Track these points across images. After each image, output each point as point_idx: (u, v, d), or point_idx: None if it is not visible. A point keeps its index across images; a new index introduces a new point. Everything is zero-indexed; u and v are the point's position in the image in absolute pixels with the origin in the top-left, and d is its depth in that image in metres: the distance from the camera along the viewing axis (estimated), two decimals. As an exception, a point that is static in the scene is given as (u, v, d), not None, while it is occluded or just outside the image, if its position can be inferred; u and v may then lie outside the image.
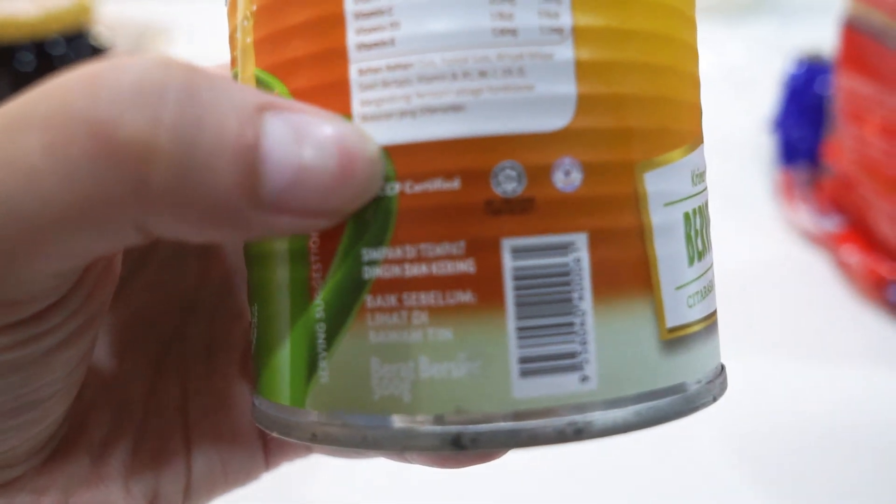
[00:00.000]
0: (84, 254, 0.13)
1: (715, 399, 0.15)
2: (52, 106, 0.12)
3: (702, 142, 0.16)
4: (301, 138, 0.12)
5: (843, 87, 0.45)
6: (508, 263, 0.13)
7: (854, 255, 0.43)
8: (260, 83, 0.15)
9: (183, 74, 0.12)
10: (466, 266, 0.13)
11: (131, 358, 0.19)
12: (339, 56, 0.14)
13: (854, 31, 0.43)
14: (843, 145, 0.46)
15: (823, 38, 0.47)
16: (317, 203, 0.13)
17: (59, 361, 0.14)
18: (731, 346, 0.39)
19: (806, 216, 0.47)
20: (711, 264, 0.16)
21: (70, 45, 0.52)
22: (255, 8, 0.15)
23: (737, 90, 0.66)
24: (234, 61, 0.16)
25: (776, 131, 0.53)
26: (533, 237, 0.13)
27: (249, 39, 0.15)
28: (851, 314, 0.42)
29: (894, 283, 0.41)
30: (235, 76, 0.15)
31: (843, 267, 0.44)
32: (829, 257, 0.46)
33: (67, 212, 0.12)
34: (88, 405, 0.17)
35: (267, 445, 0.19)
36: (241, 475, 0.19)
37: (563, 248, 0.13)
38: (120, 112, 0.11)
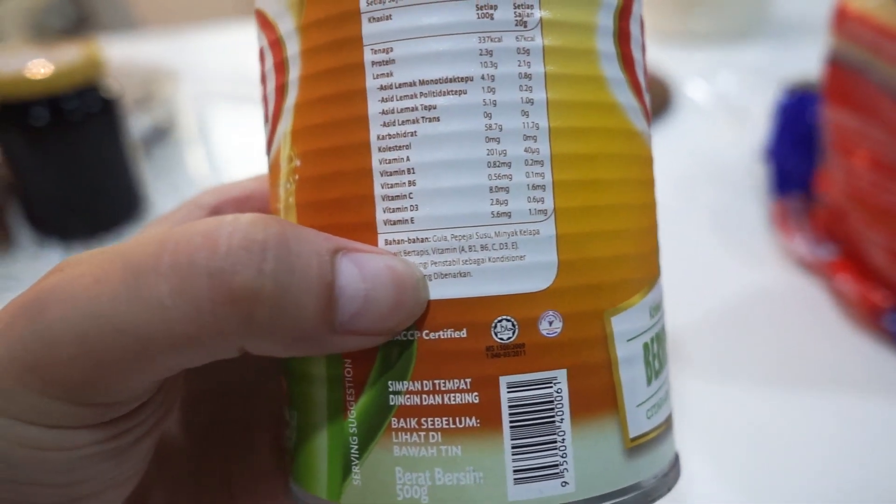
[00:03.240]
0: (185, 366, 0.16)
1: (669, 489, 0.18)
2: (178, 258, 0.15)
3: (658, 277, 0.19)
4: (364, 274, 0.16)
5: (831, 120, 0.46)
6: (505, 396, 0.16)
7: (849, 284, 0.44)
8: None
9: (277, 230, 0.15)
10: (472, 398, 0.16)
11: (180, 439, 0.22)
12: (369, 229, 0.17)
13: (838, 66, 0.44)
14: (834, 176, 0.47)
15: (816, 66, 0.48)
16: (379, 325, 0.16)
17: (143, 448, 0.17)
18: (728, 374, 0.40)
19: (802, 244, 0.48)
20: (667, 377, 0.19)
21: (81, 99, 0.54)
22: (297, 178, 0.18)
23: (730, 119, 0.67)
24: (275, 206, 0.19)
25: (769, 160, 0.54)
26: (524, 374, 0.17)
27: (292, 200, 0.18)
28: (849, 342, 0.42)
29: (889, 311, 0.41)
30: None
31: (840, 295, 0.45)
32: (825, 285, 0.46)
33: (187, 339, 0.15)
34: (150, 481, 0.20)
35: None
36: None
37: (548, 382, 0.17)
38: (233, 265, 0.15)
